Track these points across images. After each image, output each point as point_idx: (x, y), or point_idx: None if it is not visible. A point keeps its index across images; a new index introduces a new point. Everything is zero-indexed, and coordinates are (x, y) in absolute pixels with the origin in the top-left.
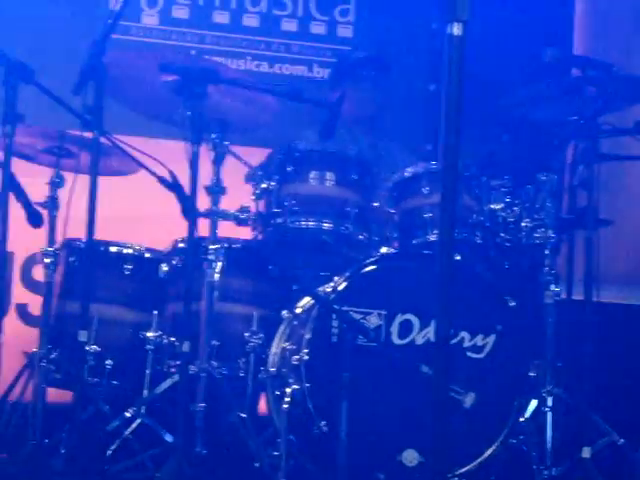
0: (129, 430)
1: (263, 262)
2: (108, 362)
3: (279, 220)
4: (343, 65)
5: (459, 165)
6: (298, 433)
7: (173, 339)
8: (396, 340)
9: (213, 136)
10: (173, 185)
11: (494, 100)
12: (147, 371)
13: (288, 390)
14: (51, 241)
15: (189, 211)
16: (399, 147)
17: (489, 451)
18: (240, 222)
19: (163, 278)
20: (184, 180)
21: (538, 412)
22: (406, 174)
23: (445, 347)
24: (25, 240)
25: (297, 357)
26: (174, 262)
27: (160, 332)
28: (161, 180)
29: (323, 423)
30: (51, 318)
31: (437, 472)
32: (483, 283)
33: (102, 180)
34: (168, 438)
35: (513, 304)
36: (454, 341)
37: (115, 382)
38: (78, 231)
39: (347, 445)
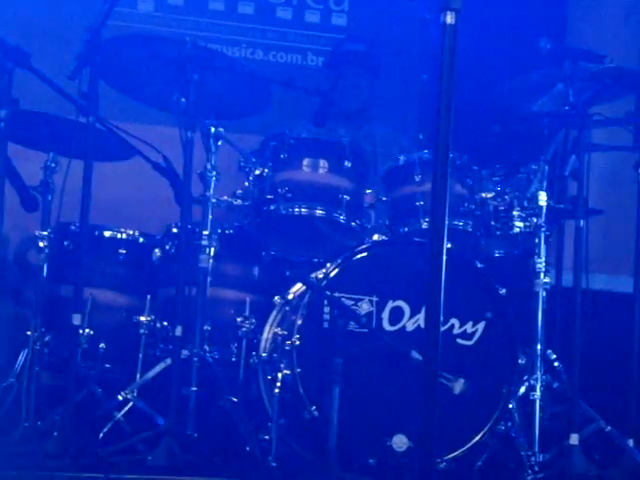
0: (121, 413)
1: (256, 248)
2: (101, 346)
3: (272, 207)
4: (336, 56)
5: (450, 154)
6: (289, 417)
7: (166, 323)
8: (387, 326)
9: (207, 122)
10: (167, 171)
11: (486, 90)
12: (140, 355)
13: (279, 375)
14: (45, 225)
15: (182, 197)
16: (388, 132)
17: (477, 437)
18: (233, 208)
19: (156, 263)
20: (178, 166)
21: (526, 399)
22: (399, 162)
23: (435, 334)
24: (20, 224)
25: (289, 342)
26: (167, 247)
27: (153, 316)
28: (155, 166)
29: (314, 408)
30: (45, 301)
31: (426, 457)
32: (473, 271)
33: (97, 165)
34: (160, 421)
35: (503, 292)
36: (444, 328)
37: (108, 365)
38: (72, 215)
39: (337, 430)
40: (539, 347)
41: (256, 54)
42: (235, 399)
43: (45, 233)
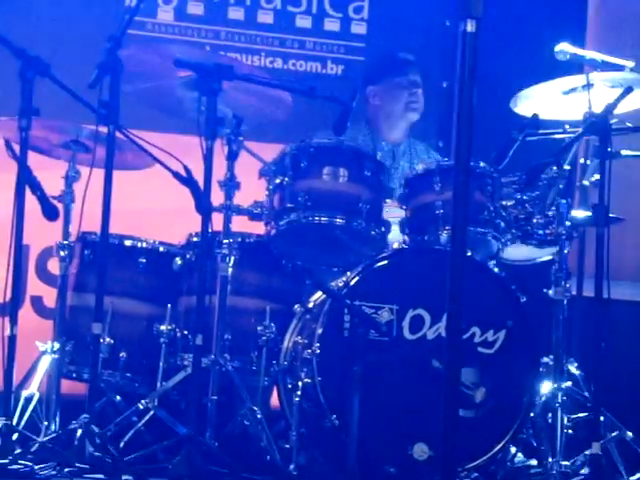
0: (142, 422)
1: (276, 257)
2: (122, 355)
3: (292, 215)
4: (387, 63)
5: (471, 162)
6: (309, 426)
7: (186, 332)
8: (407, 335)
9: (227, 131)
10: (187, 180)
11: (506, 97)
12: (160, 364)
13: (300, 383)
14: (66, 234)
15: (203, 206)
16: (424, 147)
17: (499, 446)
18: (253, 217)
19: (177, 272)
20: (198, 175)
21: (548, 407)
22: (418, 171)
23: (456, 342)
24: (41, 233)
25: (309, 351)
26: (188, 256)
27: (173, 325)
28: (175, 175)
29: (334, 417)
30: (65, 311)
31: (447, 466)
32: (494, 279)
33: (117, 174)
34: (180, 430)
35: (524, 300)
36: (465, 336)
37: (128, 374)
38: (93, 225)
39: (358, 439)
40: (560, 355)
41: (275, 62)
42: (255, 408)
43: (66, 242)
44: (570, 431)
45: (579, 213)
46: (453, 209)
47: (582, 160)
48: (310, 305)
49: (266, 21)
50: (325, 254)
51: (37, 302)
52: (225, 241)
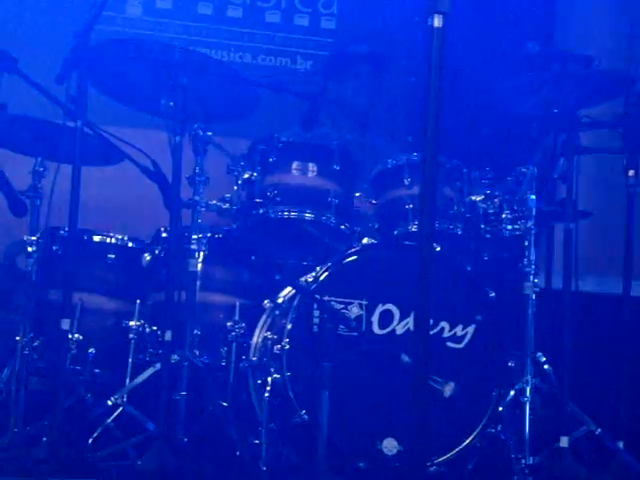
0: (111, 418)
1: (245, 252)
2: (90, 350)
3: (261, 210)
4: (340, 58)
5: (440, 157)
6: (279, 422)
7: (155, 328)
8: (377, 330)
9: (196, 126)
10: (156, 175)
11: (475, 92)
12: (129, 360)
13: (269, 379)
14: (34, 230)
15: (171, 201)
16: (385, 142)
17: (468, 440)
18: (222, 212)
19: (145, 267)
20: (167, 170)
21: (516, 402)
22: (388, 165)
23: (425, 337)
24: (8, 229)
25: (278, 346)
26: (156, 252)
27: (142, 321)
28: (144, 170)
29: (304, 412)
30: (34, 306)
31: (416, 461)
32: (463, 274)
33: (85, 170)
34: (150, 426)
35: (493, 295)
36: (434, 331)
37: (97, 370)
38: (61, 220)
39: (327, 434)
40: (529, 350)
41: (245, 58)
42: (225, 403)
43: (34, 238)
44: (538, 425)
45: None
46: (421, 204)
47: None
48: (279, 300)
49: (235, 16)
50: (294, 249)
51: (5, 298)
52: (194, 236)
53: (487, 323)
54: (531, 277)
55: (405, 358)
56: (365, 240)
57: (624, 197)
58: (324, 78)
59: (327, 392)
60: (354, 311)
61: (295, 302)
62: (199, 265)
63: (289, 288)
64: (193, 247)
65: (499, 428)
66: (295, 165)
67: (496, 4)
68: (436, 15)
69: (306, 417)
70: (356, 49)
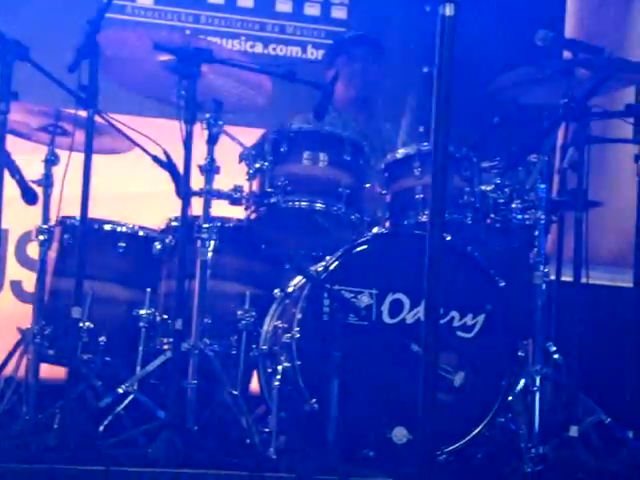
0: (122, 406)
1: (256, 241)
2: (101, 339)
3: (272, 200)
4: (337, 45)
5: (450, 146)
6: (289, 410)
7: (166, 317)
8: (387, 319)
9: (207, 116)
10: (167, 164)
11: (486, 82)
12: (140, 348)
13: (279, 368)
14: (45, 219)
15: (183, 190)
16: (392, 127)
17: (477, 429)
18: (233, 201)
19: (156, 256)
20: (178, 159)
21: (526, 391)
22: (398, 155)
23: (434, 326)
24: (20, 217)
25: (289, 335)
26: (167, 240)
27: (153, 310)
28: (155, 159)
29: (314, 400)
30: (45, 295)
31: (426, 450)
32: (473, 263)
33: (96, 158)
34: (160, 414)
35: (503, 284)
36: (444, 320)
37: (108, 359)
38: (72, 209)
39: (337, 422)
40: (539, 339)
41: (255, 47)
42: (235, 392)
43: (45, 227)
44: (548, 415)
45: (558, 198)
46: (431, 194)
47: (561, 145)
48: (290, 289)
49: (246, 5)
50: (305, 239)
51: (16, 286)
52: (205, 225)
53: (497, 312)
54: (541, 267)
55: (415, 347)
56: (375, 230)
57: (635, 186)
58: (324, 67)
59: (337, 381)
60: (364, 300)
61: (305, 291)
62: (210, 254)
63: (299, 277)
64: (204, 236)
65: (509, 417)
66: (306, 155)
67: None
68: (448, 4)
69: (316, 406)
70: (351, 34)
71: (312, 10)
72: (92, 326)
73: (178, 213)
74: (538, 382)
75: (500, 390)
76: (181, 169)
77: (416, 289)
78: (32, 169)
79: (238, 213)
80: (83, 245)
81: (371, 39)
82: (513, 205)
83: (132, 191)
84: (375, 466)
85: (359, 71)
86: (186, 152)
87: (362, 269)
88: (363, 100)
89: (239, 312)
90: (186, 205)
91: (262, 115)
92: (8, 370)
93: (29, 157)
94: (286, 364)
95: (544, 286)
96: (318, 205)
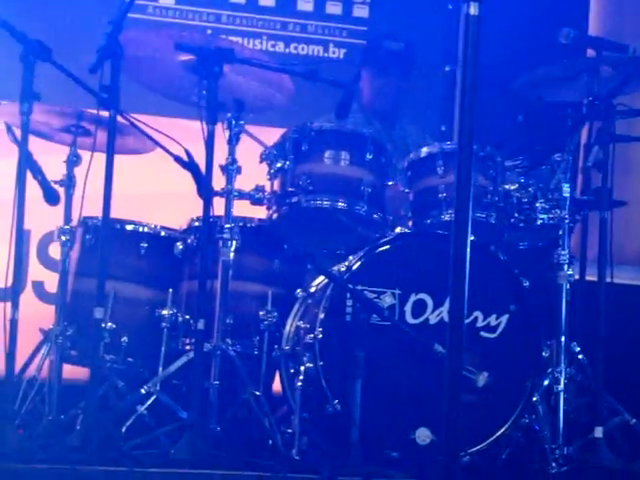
0: (144, 407)
1: (278, 241)
2: (124, 339)
3: (294, 199)
4: (374, 51)
5: (474, 145)
6: (311, 411)
7: (188, 317)
8: (410, 319)
9: (229, 115)
10: (189, 164)
11: (510, 81)
12: (162, 348)
13: (302, 368)
14: (67, 219)
15: (204, 190)
16: (416, 130)
17: (501, 430)
18: (255, 201)
19: (178, 256)
20: (200, 159)
21: (550, 392)
22: (421, 154)
23: (458, 326)
24: (42, 218)
25: (311, 335)
26: (189, 241)
27: (175, 310)
28: (177, 159)
29: (336, 401)
30: (67, 295)
31: (449, 451)
32: (497, 263)
33: (118, 158)
34: (183, 415)
35: (527, 284)
36: (467, 321)
37: (130, 359)
38: (94, 209)
39: (360, 423)
40: (563, 340)
41: (277, 46)
42: (258, 392)
43: (67, 227)
44: (572, 416)
45: (582, 197)
46: (456, 193)
47: (585, 143)
48: (312, 290)
49: (268, 4)
50: (327, 238)
51: (38, 287)
52: (227, 226)
53: (521, 312)
54: (565, 266)
55: (438, 348)
56: (398, 229)
57: None
58: (359, 66)
59: (360, 381)
60: (387, 300)
61: (328, 291)
62: (232, 254)
63: (322, 277)
64: (226, 236)
65: (533, 418)
66: (328, 154)
67: None
68: (472, 3)
69: (339, 407)
70: (391, 46)
71: (334, 9)
72: (114, 326)
73: (200, 213)
74: (562, 383)
75: (524, 391)
76: (203, 169)
77: (439, 289)
78: (54, 170)
79: (260, 213)
80: (105, 245)
81: (408, 55)
82: (537, 204)
83: (154, 191)
84: (398, 467)
85: (390, 85)
86: (208, 152)
87: (385, 269)
88: (390, 110)
89: (261, 312)
90: (208, 205)
91: (284, 114)
92: (30, 371)
93: (51, 158)
94: (309, 364)
95: (568, 286)
96: (340, 204)
